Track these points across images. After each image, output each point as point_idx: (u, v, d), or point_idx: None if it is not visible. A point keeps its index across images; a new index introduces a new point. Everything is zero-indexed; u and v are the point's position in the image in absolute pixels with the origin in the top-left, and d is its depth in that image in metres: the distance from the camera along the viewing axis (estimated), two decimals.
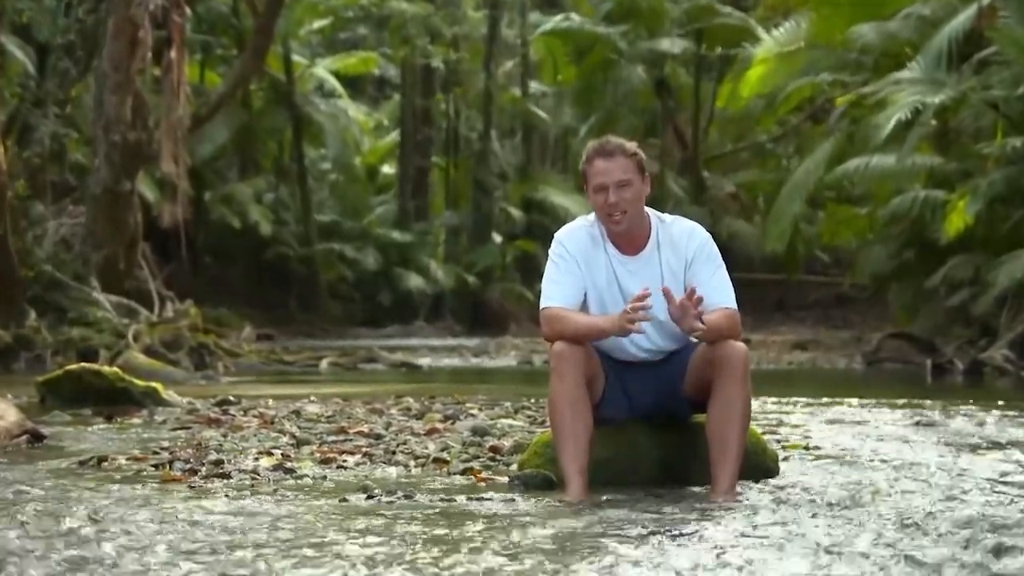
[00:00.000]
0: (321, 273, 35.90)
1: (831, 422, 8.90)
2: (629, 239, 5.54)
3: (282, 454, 6.67)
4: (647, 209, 5.60)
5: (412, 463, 6.39)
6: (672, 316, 5.25)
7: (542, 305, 5.50)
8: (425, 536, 4.29)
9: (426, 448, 6.94)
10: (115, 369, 10.47)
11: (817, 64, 26.30)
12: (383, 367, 18.76)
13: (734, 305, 5.49)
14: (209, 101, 24.49)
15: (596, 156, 5.50)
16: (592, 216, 5.64)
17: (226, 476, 5.88)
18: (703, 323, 5.24)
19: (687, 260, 5.51)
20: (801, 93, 28.93)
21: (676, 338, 5.57)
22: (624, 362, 5.59)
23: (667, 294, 5.22)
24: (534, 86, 42.35)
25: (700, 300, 5.21)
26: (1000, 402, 10.62)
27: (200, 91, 28.90)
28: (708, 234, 5.63)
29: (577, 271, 5.51)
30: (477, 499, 5.15)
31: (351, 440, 7.38)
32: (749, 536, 4.23)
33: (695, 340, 5.53)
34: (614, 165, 5.47)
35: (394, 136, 42.77)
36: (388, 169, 44.89)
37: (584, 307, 5.51)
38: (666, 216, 5.66)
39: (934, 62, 20.15)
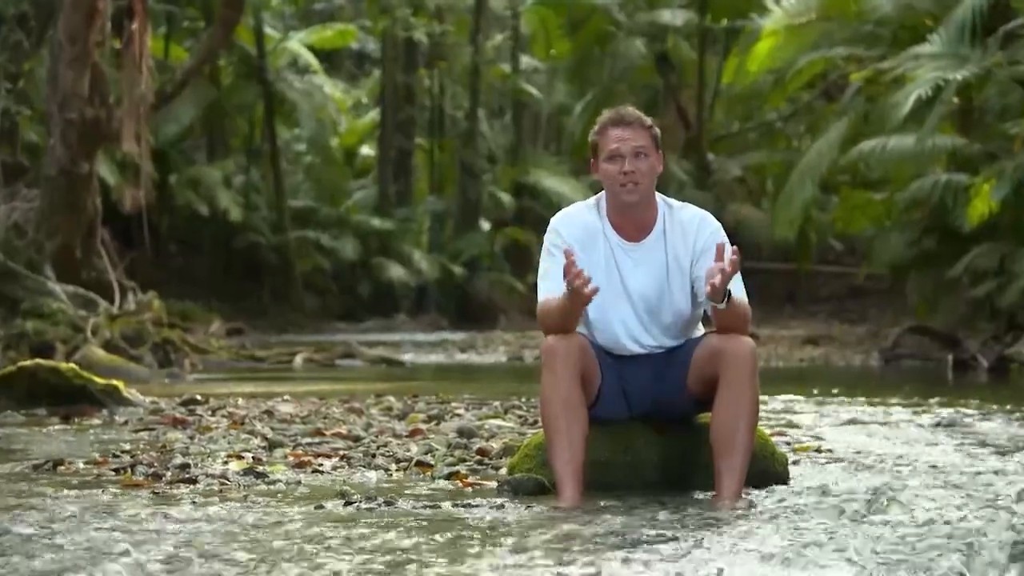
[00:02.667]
0: (295, 263, 35.88)
1: (845, 423, 8.91)
2: (635, 222, 5.53)
3: (253, 457, 6.67)
4: (656, 194, 5.59)
5: (393, 467, 6.39)
6: (712, 292, 5.22)
7: (539, 300, 5.49)
8: (407, 546, 4.28)
9: (408, 451, 6.94)
10: (72, 365, 10.45)
11: (830, 37, 26.28)
12: (362, 364, 18.77)
13: (746, 300, 5.49)
14: (174, 77, 24.43)
15: (611, 125, 5.51)
16: (592, 200, 5.64)
17: (192, 481, 5.88)
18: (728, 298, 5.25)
19: (696, 250, 5.50)
20: (813, 68, 28.91)
21: (675, 334, 5.57)
22: (623, 357, 5.58)
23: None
24: (525, 61, 42.32)
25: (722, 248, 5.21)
26: None
27: (165, 66, 28.86)
28: (719, 224, 5.63)
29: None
30: (464, 506, 5.15)
31: (328, 442, 7.38)
32: (756, 547, 4.23)
33: (699, 335, 5.53)
34: (631, 134, 5.47)
35: (374, 115, 42.76)
36: (367, 151, 44.88)
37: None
38: (673, 201, 5.66)
39: (957, 35, 20.13)
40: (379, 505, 5.17)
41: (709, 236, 5.53)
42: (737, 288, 5.44)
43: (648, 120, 5.56)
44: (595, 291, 5.21)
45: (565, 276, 5.17)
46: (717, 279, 5.19)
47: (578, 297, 5.20)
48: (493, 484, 5.77)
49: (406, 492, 5.60)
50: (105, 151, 20.37)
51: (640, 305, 5.50)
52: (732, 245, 5.65)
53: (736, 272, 5.21)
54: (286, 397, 10.72)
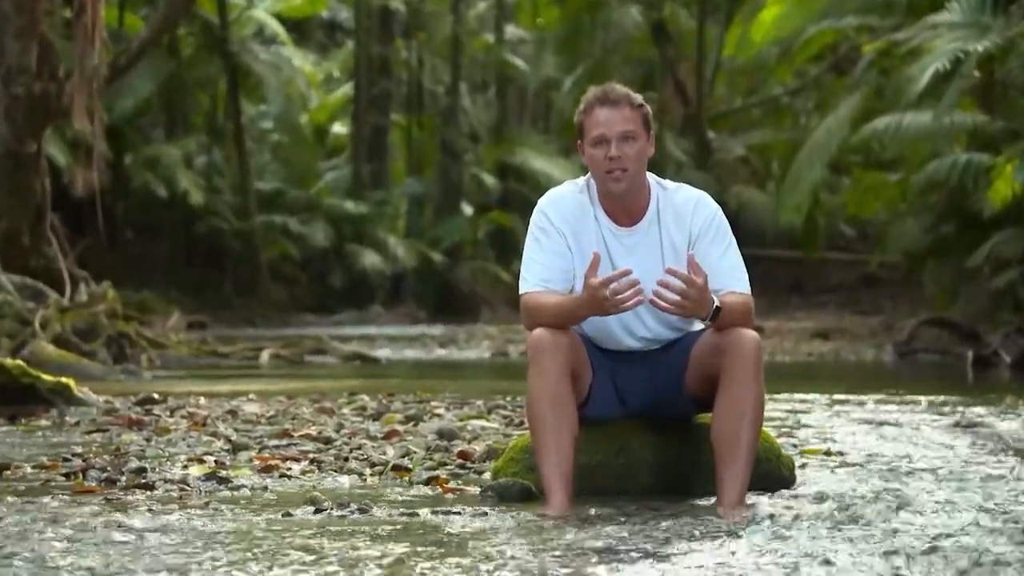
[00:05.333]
0: (261, 250, 35.86)
1: (857, 423, 8.93)
2: (625, 208, 5.52)
3: (215, 461, 6.67)
4: (647, 174, 5.58)
5: (368, 471, 6.40)
6: (684, 311, 5.22)
7: (521, 290, 5.47)
8: (383, 557, 4.28)
9: (384, 454, 6.94)
10: (19, 362, 10.43)
11: (841, 5, 26.33)
12: (334, 360, 18.77)
13: (748, 290, 5.48)
14: (130, 48, 24.37)
15: (597, 104, 5.49)
16: (581, 180, 5.62)
17: (149, 487, 5.87)
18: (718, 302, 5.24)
19: (692, 235, 5.50)
20: (822, 39, 28.97)
21: (675, 326, 5.56)
22: (615, 352, 5.58)
23: (683, 269, 5.21)
24: (510, 31, 42.32)
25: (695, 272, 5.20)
26: None
27: (119, 36, 28.80)
28: (717, 205, 5.62)
29: (563, 247, 5.48)
30: (444, 513, 5.15)
31: (296, 445, 7.39)
32: (760, 558, 4.23)
33: (700, 328, 5.52)
34: (618, 115, 5.45)
35: (347, 90, 42.72)
36: (340, 128, 44.86)
37: (572, 292, 5.48)
38: (668, 183, 5.65)
39: (977, 3, 20.15)
40: (352, 512, 5.18)
41: (706, 218, 5.53)
42: (731, 280, 5.43)
43: (638, 98, 5.53)
44: (640, 303, 5.23)
45: (615, 293, 5.15)
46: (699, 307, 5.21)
47: (605, 310, 5.20)
48: (476, 490, 5.77)
49: (381, 498, 5.60)
50: (55, 129, 20.34)
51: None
52: (732, 228, 5.64)
53: (689, 300, 5.19)
54: (251, 396, 10.72)
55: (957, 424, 8.71)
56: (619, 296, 5.15)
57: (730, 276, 5.45)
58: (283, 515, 5.13)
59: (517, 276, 5.56)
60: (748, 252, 5.66)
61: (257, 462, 6.67)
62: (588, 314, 5.31)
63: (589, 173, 5.57)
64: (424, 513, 5.16)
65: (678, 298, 5.16)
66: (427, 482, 6.05)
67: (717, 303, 5.24)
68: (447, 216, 39.14)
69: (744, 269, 5.52)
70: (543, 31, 42.12)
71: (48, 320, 16.25)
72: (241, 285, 35.44)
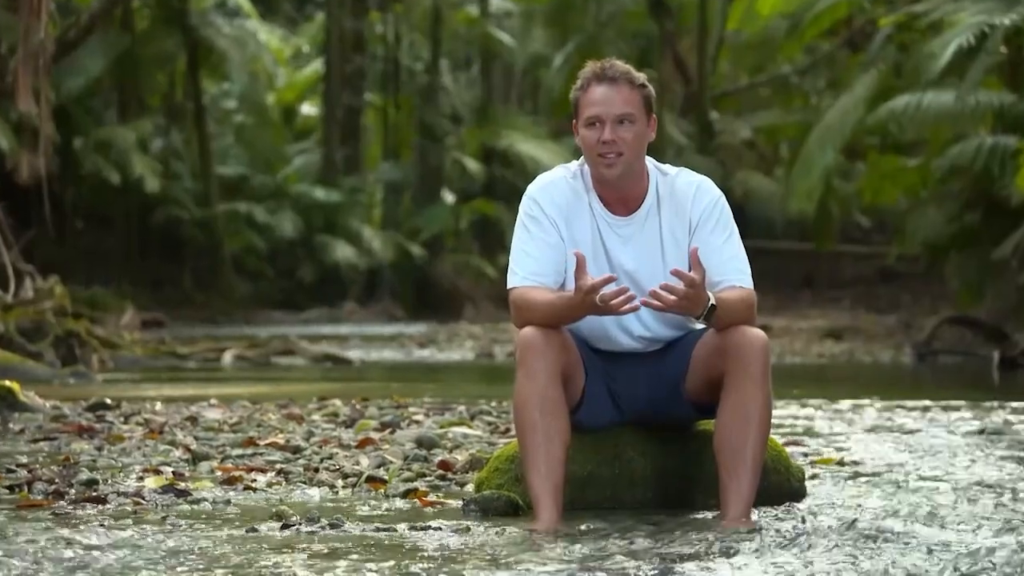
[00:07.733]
0: (224, 242, 35.83)
1: (872, 430, 8.94)
2: (622, 195, 5.52)
3: (173, 472, 6.68)
4: (647, 159, 5.58)
5: (340, 483, 6.40)
6: (676, 308, 5.21)
7: (509, 285, 5.46)
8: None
9: (358, 464, 6.95)
10: None
11: None
12: (303, 361, 18.77)
13: (750, 283, 5.48)
14: (79, 21, 24.34)
15: (595, 81, 5.48)
16: (574, 165, 5.62)
17: (101, 500, 5.87)
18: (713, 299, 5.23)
19: (692, 222, 5.50)
20: (835, 12, 28.98)
21: (676, 324, 5.56)
22: (610, 353, 5.58)
23: (683, 261, 5.20)
24: (495, 3, 42.31)
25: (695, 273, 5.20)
26: None
27: (68, 9, 28.74)
28: (719, 191, 5.62)
29: (556, 237, 5.48)
30: (422, 528, 5.16)
31: (262, 454, 7.39)
32: None
33: (702, 327, 5.51)
34: (616, 95, 5.45)
35: (317, 67, 42.68)
36: (309, 109, 44.83)
37: (564, 286, 5.48)
38: (668, 167, 5.65)
39: None
40: (322, 528, 5.18)
41: (707, 205, 5.53)
42: (732, 272, 5.42)
43: (639, 77, 5.53)
44: (633, 310, 5.21)
45: (607, 298, 5.13)
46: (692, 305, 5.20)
47: (597, 311, 5.19)
48: (457, 503, 5.78)
49: (354, 513, 5.61)
50: None
51: (630, 288, 5.47)
52: (737, 217, 5.65)
53: (686, 298, 5.18)
54: (213, 401, 10.71)
55: (982, 431, 8.72)
56: (612, 303, 5.14)
57: (731, 268, 5.45)
58: (247, 531, 5.13)
59: (503, 270, 5.56)
60: (754, 244, 5.66)
61: (219, 473, 6.68)
62: (582, 315, 5.30)
63: (582, 157, 5.56)
64: (401, 528, 5.16)
65: (674, 298, 5.15)
66: (404, 495, 6.05)
67: (712, 301, 5.23)
68: (426, 205, 39.12)
69: (746, 261, 5.52)
70: (531, 3, 42.09)
71: None
72: (201, 279, 35.42)
